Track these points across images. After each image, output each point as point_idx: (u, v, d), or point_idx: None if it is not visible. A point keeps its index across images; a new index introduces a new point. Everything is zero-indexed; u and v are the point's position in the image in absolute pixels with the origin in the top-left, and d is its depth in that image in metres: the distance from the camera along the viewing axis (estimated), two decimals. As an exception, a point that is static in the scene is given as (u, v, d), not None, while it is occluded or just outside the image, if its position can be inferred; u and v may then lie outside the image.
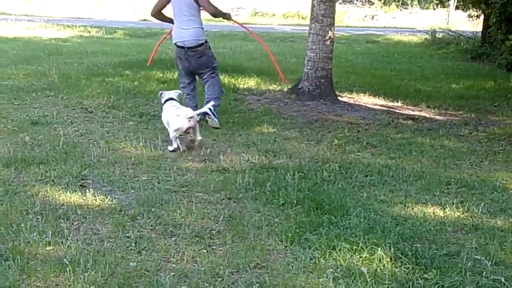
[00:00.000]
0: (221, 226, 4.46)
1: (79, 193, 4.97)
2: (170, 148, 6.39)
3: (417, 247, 4.12)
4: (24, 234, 4.12)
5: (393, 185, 5.53)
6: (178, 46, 7.62)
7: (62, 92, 9.20)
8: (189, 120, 6.35)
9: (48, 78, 10.31)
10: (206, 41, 7.67)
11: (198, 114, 6.75)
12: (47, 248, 3.96)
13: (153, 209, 4.70)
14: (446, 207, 4.96)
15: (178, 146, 6.39)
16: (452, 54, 17.79)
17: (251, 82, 10.64)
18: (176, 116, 6.43)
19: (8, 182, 5.17)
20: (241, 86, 10.35)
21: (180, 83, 7.88)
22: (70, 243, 4.03)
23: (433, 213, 4.86)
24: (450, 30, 21.31)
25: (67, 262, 3.74)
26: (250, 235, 4.29)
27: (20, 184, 5.14)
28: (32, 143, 6.43)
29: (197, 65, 7.63)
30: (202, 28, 7.66)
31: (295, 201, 4.89)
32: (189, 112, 6.53)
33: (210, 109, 7.15)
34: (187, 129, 6.36)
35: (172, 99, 6.82)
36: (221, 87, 8.01)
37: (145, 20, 30.89)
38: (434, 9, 38.47)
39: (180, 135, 6.44)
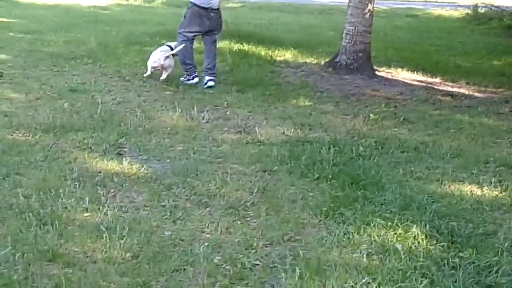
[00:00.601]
0: (256, 198, 4.47)
1: (116, 161, 5.03)
2: (145, 74, 8.12)
3: (453, 225, 4.08)
4: (62, 199, 4.18)
5: (429, 162, 5.47)
6: (202, 7, 7.88)
7: (100, 60, 9.27)
8: (164, 59, 7.95)
9: (87, 45, 10.39)
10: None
11: (173, 55, 8.08)
12: (84, 214, 4.02)
13: (188, 179, 4.72)
14: (484, 186, 4.89)
15: (150, 73, 8.07)
16: (494, 30, 17.41)
17: (288, 55, 10.58)
18: (159, 52, 8.08)
19: (47, 148, 5.24)
20: (278, 58, 10.30)
21: (183, 37, 8.06)
22: (107, 210, 4.09)
23: (470, 191, 4.80)
24: (492, 5, 20.82)
25: (104, 229, 3.79)
26: (284, 208, 4.30)
27: (58, 150, 5.21)
28: (71, 110, 6.50)
29: (215, 25, 8.14)
30: None
31: (330, 176, 4.88)
32: (167, 52, 8.03)
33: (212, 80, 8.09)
34: (160, 65, 7.99)
35: (169, 46, 8.20)
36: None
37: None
38: (477, -17, 37.63)
39: (155, 67, 8.04)
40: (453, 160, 5.56)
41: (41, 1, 18.96)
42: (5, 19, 13.67)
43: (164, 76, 8.03)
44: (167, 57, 8.00)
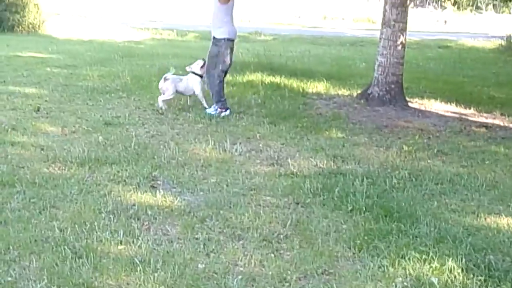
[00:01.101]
0: (289, 230, 4.46)
1: (150, 194, 5.06)
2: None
3: (490, 258, 4.02)
4: (97, 232, 4.22)
5: (464, 194, 5.41)
6: (232, 40, 8.30)
7: (134, 93, 9.40)
8: (164, 81, 8.46)
9: (121, 79, 10.55)
10: (226, 39, 8.27)
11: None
12: (119, 247, 4.05)
13: (221, 212, 4.73)
14: (521, 219, 4.82)
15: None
16: (528, 60, 17.26)
17: (320, 87, 10.61)
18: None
19: (82, 181, 5.30)
20: (310, 90, 10.33)
21: (221, 76, 8.34)
22: (141, 243, 4.11)
23: (507, 224, 4.72)
24: (526, 36, 20.68)
25: (138, 262, 3.81)
26: (317, 241, 4.27)
27: (93, 184, 5.27)
28: (105, 143, 6.58)
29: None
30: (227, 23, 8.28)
31: (364, 208, 4.85)
32: (167, 75, 8.53)
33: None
34: (160, 88, 8.52)
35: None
36: (221, 91, 8.39)
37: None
38: (510, 13, 37.49)
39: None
40: (489, 192, 5.49)
41: (77, 37, 19.36)
42: (42, 55, 13.97)
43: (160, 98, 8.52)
44: (167, 79, 8.46)
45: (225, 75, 8.47)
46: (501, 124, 8.66)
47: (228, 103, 8.43)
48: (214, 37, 8.23)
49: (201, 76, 8.46)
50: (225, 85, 10.21)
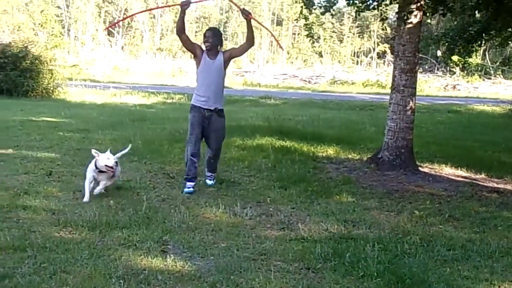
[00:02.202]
0: (300, 296, 4.42)
1: (160, 258, 5.04)
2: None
3: (504, 327, 3.95)
4: (107, 297, 4.20)
5: (477, 260, 5.36)
6: None
7: (145, 157, 9.48)
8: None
9: (132, 143, 10.61)
10: (191, 104, 7.85)
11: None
12: (129, 313, 4.02)
13: (231, 277, 4.70)
14: (535, 286, 4.76)
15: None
16: (538, 125, 17.31)
17: (330, 150, 10.66)
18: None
19: (92, 246, 5.30)
20: (320, 154, 10.38)
21: None
22: (151, 308, 4.08)
23: (521, 291, 4.67)
24: (535, 101, 20.82)
25: (147, 328, 3.77)
26: (329, 307, 4.22)
27: (104, 248, 5.27)
28: (116, 207, 6.61)
29: None
30: (195, 92, 7.88)
31: (375, 274, 4.80)
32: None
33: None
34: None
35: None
36: (187, 160, 7.80)
37: (226, 87, 31.59)
38: (518, 79, 37.76)
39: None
40: (502, 259, 5.43)
41: (90, 100, 19.64)
42: (54, 119, 14.16)
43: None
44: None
45: None
46: (513, 189, 8.62)
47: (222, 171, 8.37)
48: (218, 109, 7.72)
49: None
50: (236, 149, 10.32)
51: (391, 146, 9.40)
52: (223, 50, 7.80)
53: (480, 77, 39.48)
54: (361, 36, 64.79)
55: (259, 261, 5.13)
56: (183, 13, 7.45)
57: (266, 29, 9.98)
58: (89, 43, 50.11)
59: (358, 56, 62.96)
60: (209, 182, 8.02)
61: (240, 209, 6.70)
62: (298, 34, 60.83)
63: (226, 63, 7.69)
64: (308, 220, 6.48)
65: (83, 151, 9.88)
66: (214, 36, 7.66)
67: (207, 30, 7.87)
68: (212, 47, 7.62)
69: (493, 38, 15.40)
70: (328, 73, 41.57)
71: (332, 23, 62.08)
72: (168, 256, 5.09)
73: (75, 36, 54.90)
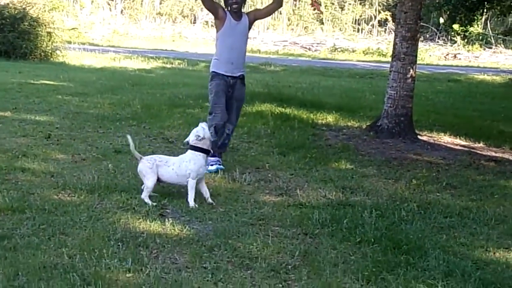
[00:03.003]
0: (297, 261, 4.45)
1: (159, 222, 5.07)
2: None
3: (498, 293, 3.99)
4: (105, 260, 4.22)
5: (473, 228, 5.40)
6: None
7: (144, 122, 9.47)
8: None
9: (131, 108, 10.63)
10: (210, 72, 7.20)
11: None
12: (127, 275, 4.05)
13: (230, 241, 4.73)
14: (530, 254, 4.79)
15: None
16: (538, 95, 17.28)
17: (329, 118, 10.65)
18: None
19: (91, 208, 5.33)
20: (320, 121, 10.37)
21: None
22: (149, 271, 4.11)
23: (516, 259, 4.71)
24: (536, 71, 20.76)
25: (146, 290, 3.81)
26: (325, 272, 4.26)
27: (102, 211, 5.29)
28: (115, 171, 6.62)
29: None
30: (213, 58, 7.22)
31: (372, 240, 4.84)
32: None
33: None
34: None
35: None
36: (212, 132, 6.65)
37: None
38: (520, 48, 37.55)
39: None
40: (498, 226, 5.48)
41: (89, 64, 19.55)
42: (53, 82, 14.09)
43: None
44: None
45: None
46: (510, 158, 8.64)
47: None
48: (242, 76, 7.20)
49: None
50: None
51: (390, 114, 9.39)
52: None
53: (481, 46, 39.26)
54: (362, 4, 64.27)
55: (257, 226, 5.16)
56: None
57: None
58: (88, 6, 49.66)
59: (359, 24, 62.51)
60: (212, 168, 6.82)
61: (238, 175, 6.72)
62: (300, 0, 60.34)
63: (250, 25, 7.14)
64: (306, 186, 6.50)
65: (82, 115, 9.88)
66: None
67: None
68: (239, 8, 7.03)
69: (495, 7, 15.30)
70: (329, 41, 41.29)
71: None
72: (166, 220, 5.11)
73: (74, -1, 54.41)
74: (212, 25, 57.53)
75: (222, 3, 7.23)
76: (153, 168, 5.67)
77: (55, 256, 4.27)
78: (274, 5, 7.28)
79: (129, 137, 6.00)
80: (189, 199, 5.60)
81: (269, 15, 7.66)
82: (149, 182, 5.64)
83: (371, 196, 6.24)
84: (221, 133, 7.11)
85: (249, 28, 7.16)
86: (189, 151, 5.79)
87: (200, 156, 5.73)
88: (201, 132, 5.77)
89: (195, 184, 5.67)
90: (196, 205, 5.53)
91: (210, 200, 5.69)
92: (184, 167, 5.69)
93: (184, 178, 5.68)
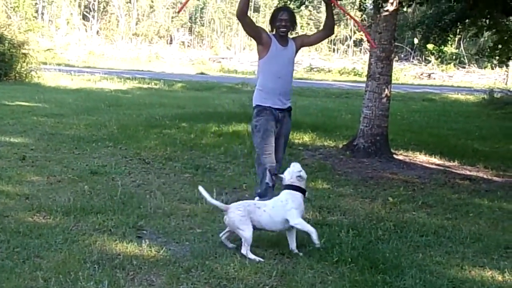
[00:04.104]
0: (274, 281, 4.43)
1: (135, 244, 5.03)
2: None
3: (474, 311, 4.01)
4: (81, 282, 4.18)
5: (449, 246, 5.43)
6: None
7: (121, 143, 9.44)
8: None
9: (107, 128, 10.59)
10: (254, 106, 6.30)
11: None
12: (103, 298, 4.01)
13: (207, 262, 4.71)
14: (505, 272, 4.82)
15: None
16: (510, 114, 17.55)
17: (306, 138, 10.70)
18: None
19: (67, 231, 5.27)
20: (296, 141, 10.41)
21: None
22: (125, 293, 4.08)
23: (492, 277, 4.73)
24: (508, 90, 21.10)
25: (122, 312, 3.77)
26: (303, 292, 4.25)
27: (78, 233, 5.24)
28: (91, 192, 6.57)
29: None
30: (256, 89, 6.33)
31: (349, 259, 4.84)
32: None
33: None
34: None
35: None
36: (262, 172, 6.11)
37: (202, 73, 31.54)
38: (492, 68, 38.16)
39: None
40: (473, 244, 5.51)
41: (64, 85, 19.46)
42: (28, 103, 14.02)
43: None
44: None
45: None
46: (485, 177, 8.74)
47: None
48: (290, 108, 6.34)
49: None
50: (212, 135, 10.31)
51: (366, 134, 9.46)
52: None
53: (454, 66, 39.81)
54: (337, 24, 64.86)
55: (235, 247, 5.14)
56: None
57: (352, 18, 8.03)
58: (63, 27, 49.55)
59: (334, 44, 63.04)
60: None
61: (216, 195, 6.68)
62: (275, 21, 60.63)
63: (296, 52, 6.34)
64: (283, 206, 6.49)
65: (58, 136, 9.82)
66: (292, 20, 6.19)
67: (282, 11, 6.26)
68: (287, 33, 6.20)
69: (468, 27, 15.53)
70: (305, 61, 41.59)
71: (310, 11, 62.04)
72: (143, 242, 5.08)
73: (49, 20, 54.27)
74: (188, 45, 57.73)
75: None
76: (245, 215, 4.96)
77: (30, 279, 4.21)
78: (325, 31, 6.45)
79: (201, 188, 5.19)
80: (314, 239, 4.97)
81: (318, 42, 6.92)
82: (246, 233, 4.90)
83: (348, 215, 6.26)
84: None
85: (295, 54, 6.37)
86: (285, 191, 5.15)
87: (298, 195, 5.12)
88: (304, 173, 5.21)
89: (303, 221, 5.05)
90: (322, 243, 4.98)
91: (296, 250, 5.03)
92: (281, 208, 5.03)
93: (279, 223, 5.02)
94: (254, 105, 6.24)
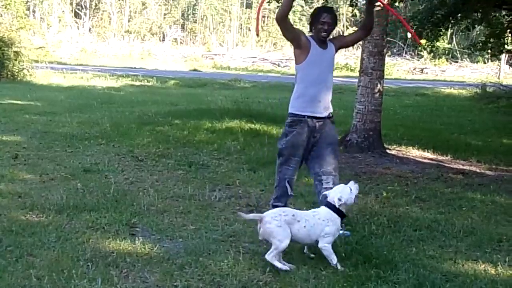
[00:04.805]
0: (268, 277, 4.43)
1: (129, 241, 5.03)
2: None
3: (468, 305, 4.02)
4: (74, 281, 4.17)
5: (442, 240, 5.44)
6: None
7: (114, 140, 9.41)
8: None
9: (100, 126, 10.57)
10: (289, 114, 5.83)
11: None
12: (97, 295, 4.00)
13: (200, 259, 4.71)
14: (498, 265, 4.84)
15: None
16: (503, 108, 17.60)
17: (299, 133, 10.68)
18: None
19: (60, 229, 5.26)
20: (289, 137, 10.39)
21: None
22: (119, 290, 4.07)
23: (484, 270, 4.75)
24: (501, 84, 21.15)
25: (116, 310, 3.76)
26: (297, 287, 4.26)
27: (71, 231, 5.23)
28: (84, 190, 6.56)
29: None
30: (293, 95, 5.89)
31: (343, 254, 4.84)
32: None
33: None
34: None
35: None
36: (279, 184, 5.79)
37: (195, 70, 31.50)
38: (485, 63, 38.25)
39: None
40: (466, 238, 5.53)
41: (57, 83, 19.40)
42: (20, 101, 13.97)
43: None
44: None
45: None
46: (478, 171, 8.76)
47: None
48: (330, 114, 5.81)
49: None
50: (205, 132, 10.29)
51: (359, 129, 9.47)
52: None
53: (447, 61, 39.89)
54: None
55: (228, 243, 5.14)
56: None
57: (396, 15, 7.63)
58: (55, 24, 49.39)
59: (327, 40, 62.99)
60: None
61: (209, 192, 6.71)
62: (268, 17, 60.65)
63: (335, 54, 5.92)
64: (276, 202, 6.49)
65: (50, 134, 9.79)
66: (334, 23, 5.72)
67: (325, 13, 5.70)
68: (328, 36, 5.73)
69: (460, 21, 15.56)
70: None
71: (302, 6, 62.02)
72: (136, 239, 5.07)
73: (41, 18, 54.09)
74: (181, 42, 57.65)
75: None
76: (282, 225, 4.59)
77: (23, 278, 4.20)
78: (363, 32, 6.04)
79: (242, 214, 4.92)
80: (334, 263, 4.63)
81: (355, 43, 6.61)
82: (283, 244, 4.56)
83: (341, 210, 6.25)
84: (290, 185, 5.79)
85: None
86: (325, 209, 4.85)
87: (338, 219, 4.80)
88: (345, 197, 4.84)
89: (331, 248, 4.70)
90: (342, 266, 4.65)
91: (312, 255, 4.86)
92: (320, 227, 4.71)
93: (311, 239, 4.73)
94: (290, 112, 5.76)
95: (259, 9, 7.01)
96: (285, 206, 5.63)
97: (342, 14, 61.34)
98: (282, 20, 5.51)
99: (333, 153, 5.76)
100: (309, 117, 5.62)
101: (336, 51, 5.84)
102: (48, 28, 47.90)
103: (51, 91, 17.21)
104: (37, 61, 23.04)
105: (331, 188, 5.25)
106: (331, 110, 5.78)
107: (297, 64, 5.74)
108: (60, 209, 5.77)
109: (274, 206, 5.53)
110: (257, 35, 11.35)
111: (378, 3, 6.32)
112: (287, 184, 5.72)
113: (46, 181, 6.93)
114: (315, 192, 5.80)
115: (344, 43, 6.12)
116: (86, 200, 6.13)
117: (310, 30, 5.74)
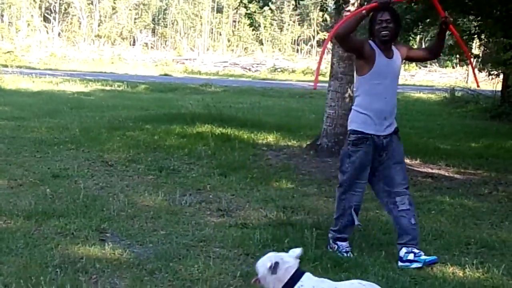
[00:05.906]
0: (239, 282, 4.43)
1: (98, 247, 4.99)
2: None
3: (436, 307, 4.06)
4: (43, 287, 4.13)
5: (412, 243, 5.48)
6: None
7: (83, 145, 9.33)
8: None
9: (70, 131, 10.48)
10: (351, 131, 5.17)
11: None
12: (65, 302, 3.97)
13: (171, 264, 4.69)
14: (466, 268, 4.90)
15: None
16: (471, 112, 17.84)
17: (270, 138, 10.72)
18: None
19: (28, 235, 5.20)
20: (260, 141, 10.43)
21: None
22: (88, 297, 4.04)
23: (453, 273, 4.80)
24: (469, 89, 21.42)
25: (85, 316, 3.73)
26: (267, 292, 4.25)
27: (40, 237, 5.17)
28: (53, 195, 6.49)
29: None
30: (355, 110, 5.23)
31: (313, 258, 4.87)
32: None
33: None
34: None
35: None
36: (344, 213, 5.26)
37: (166, 74, 31.41)
38: (453, 67, 38.72)
39: None
40: (435, 241, 5.59)
41: (25, 87, 19.18)
42: (-12, 106, 13.78)
43: None
44: None
45: None
46: (446, 174, 8.86)
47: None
48: (397, 129, 5.28)
49: None
50: (175, 136, 10.23)
51: (329, 133, 9.52)
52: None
53: (416, 65, 40.26)
54: (301, 24, 65.17)
55: (199, 248, 5.13)
56: (367, 13, 5.06)
57: (463, 47, 6.92)
58: (24, 29, 48.85)
59: (298, 44, 63.36)
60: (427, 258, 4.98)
61: (179, 197, 6.69)
62: (239, 21, 60.77)
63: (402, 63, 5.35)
64: (247, 206, 6.51)
65: (18, 139, 9.67)
66: (396, 20, 5.07)
67: (380, 10, 5.01)
68: (392, 37, 5.09)
69: (429, 27, 15.74)
70: (269, 61, 41.71)
71: (272, 11, 62.18)
72: (106, 245, 5.04)
73: (9, 22, 53.48)
74: (152, 47, 57.41)
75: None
76: None
77: (-10, 285, 4.16)
78: (429, 54, 5.50)
79: None
80: None
81: (417, 61, 5.87)
82: None
83: (312, 215, 6.29)
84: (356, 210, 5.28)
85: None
86: None
87: None
88: None
89: None
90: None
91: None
92: None
93: None
94: (351, 129, 5.14)
95: (321, 55, 5.80)
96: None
97: (313, 19, 61.66)
98: (346, 37, 5.00)
99: (403, 172, 5.26)
100: (372, 135, 5.06)
101: (403, 60, 5.30)
102: (17, 33, 47.37)
103: (19, 96, 17.00)
104: (5, 66, 22.76)
105: (408, 210, 5.06)
106: (396, 124, 5.24)
107: (360, 75, 5.14)
108: (29, 215, 5.71)
109: (337, 239, 5.20)
110: (315, 88, 8.83)
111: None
112: (353, 213, 5.20)
113: (14, 187, 6.84)
114: (389, 217, 5.41)
115: (409, 55, 5.39)
116: (55, 206, 6.07)
117: (370, 37, 5.14)
